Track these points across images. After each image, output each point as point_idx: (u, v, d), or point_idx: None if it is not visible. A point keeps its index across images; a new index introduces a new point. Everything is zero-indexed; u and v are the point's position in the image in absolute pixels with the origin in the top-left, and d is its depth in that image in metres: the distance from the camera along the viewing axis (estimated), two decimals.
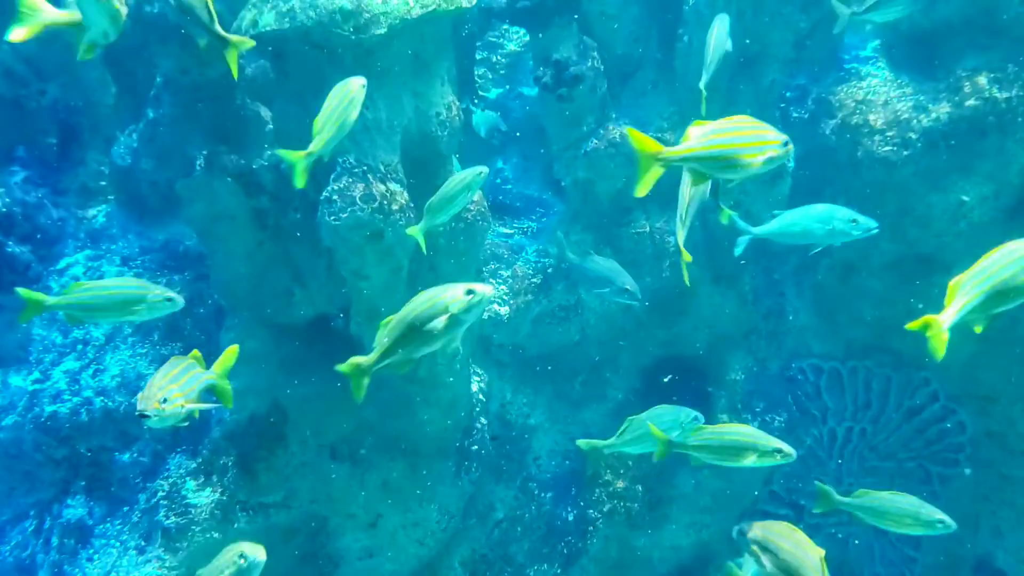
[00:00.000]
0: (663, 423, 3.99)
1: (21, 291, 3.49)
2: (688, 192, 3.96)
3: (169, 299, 3.56)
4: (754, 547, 3.29)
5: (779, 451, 3.75)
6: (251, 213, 4.59)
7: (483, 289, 2.97)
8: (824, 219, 4.44)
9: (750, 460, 3.77)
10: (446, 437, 5.00)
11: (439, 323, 2.94)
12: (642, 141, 3.19)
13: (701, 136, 3.14)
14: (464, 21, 5.25)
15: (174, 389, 3.33)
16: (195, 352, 3.55)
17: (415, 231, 4.08)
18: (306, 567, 4.90)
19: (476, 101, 6.01)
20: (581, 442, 4.32)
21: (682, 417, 4.00)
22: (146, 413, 3.25)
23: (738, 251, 4.75)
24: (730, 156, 3.13)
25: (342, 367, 3.08)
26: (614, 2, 5.33)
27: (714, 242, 5.34)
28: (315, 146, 3.54)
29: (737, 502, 5.62)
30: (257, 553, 3.60)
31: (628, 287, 4.77)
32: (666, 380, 5.50)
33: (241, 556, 3.57)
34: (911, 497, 3.95)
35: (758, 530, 3.32)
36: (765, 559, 3.28)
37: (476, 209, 4.70)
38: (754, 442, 3.77)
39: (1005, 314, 5.14)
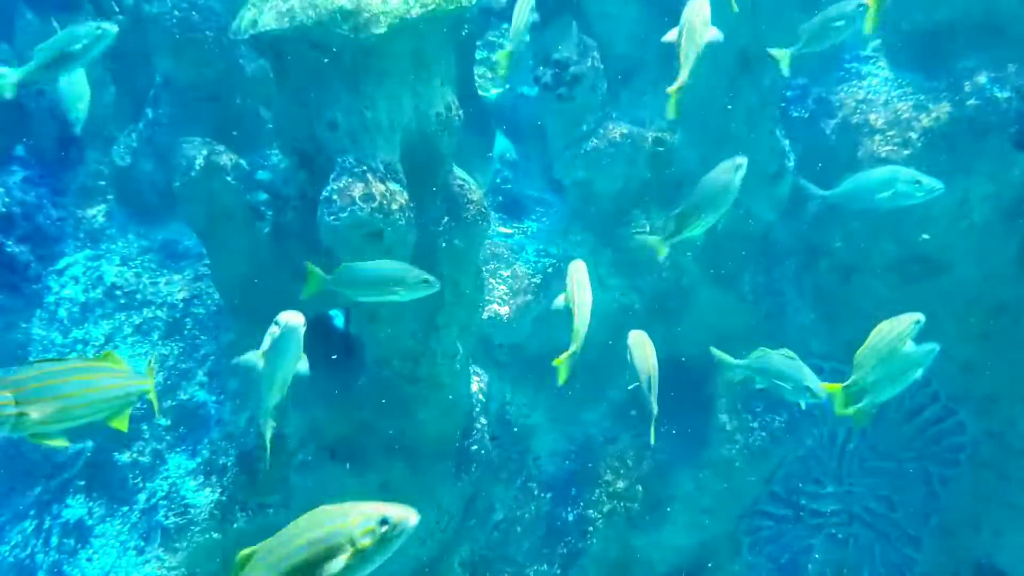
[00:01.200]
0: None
1: (308, 265, 3.78)
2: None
3: (425, 280, 3.75)
4: (629, 348, 4.02)
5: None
6: (250, 213, 4.59)
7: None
8: (888, 181, 4.36)
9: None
10: (445, 437, 4.99)
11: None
12: None
13: None
14: (464, 21, 5.24)
15: (7, 396, 2.75)
16: (108, 352, 3.13)
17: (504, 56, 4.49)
18: None
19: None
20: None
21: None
22: None
23: (808, 217, 4.70)
24: None
25: None
26: (614, 2, 5.33)
27: (714, 242, 5.34)
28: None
29: (737, 502, 5.61)
30: (290, 318, 3.16)
31: (809, 384, 4.27)
32: (630, 388, 5.47)
33: (274, 323, 3.17)
34: None
35: (632, 336, 4.04)
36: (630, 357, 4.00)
37: (475, 209, 4.70)
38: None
39: (1005, 315, 5.17)
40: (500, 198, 6.18)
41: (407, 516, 2.15)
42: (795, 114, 5.53)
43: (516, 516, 5.47)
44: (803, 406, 4.41)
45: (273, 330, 3.17)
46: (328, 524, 2.16)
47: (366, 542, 2.11)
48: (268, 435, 3.45)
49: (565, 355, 4.07)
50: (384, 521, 2.14)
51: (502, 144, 6.13)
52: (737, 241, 5.34)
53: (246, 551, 2.15)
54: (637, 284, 5.34)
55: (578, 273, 4.12)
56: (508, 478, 5.50)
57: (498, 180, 6.24)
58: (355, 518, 2.16)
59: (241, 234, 4.64)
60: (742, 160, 4.05)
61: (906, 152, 4.94)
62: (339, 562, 2.09)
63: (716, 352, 4.40)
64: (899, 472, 5.66)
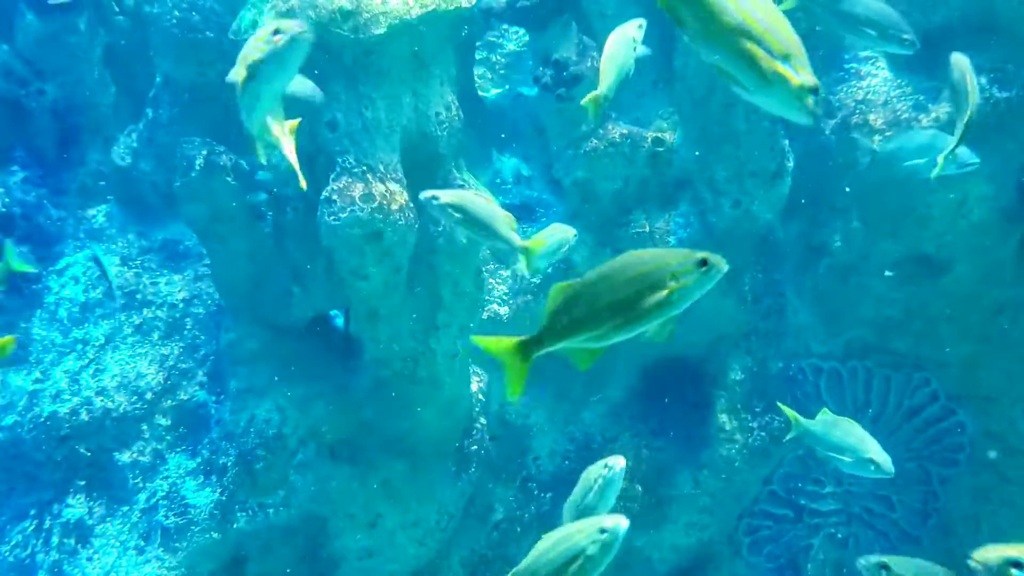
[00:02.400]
0: None
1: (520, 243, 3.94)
2: None
3: None
4: (449, 210, 3.58)
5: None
6: (250, 213, 4.60)
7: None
8: (925, 148, 4.23)
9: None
10: (445, 437, 5.00)
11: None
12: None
13: None
14: (464, 21, 5.25)
15: None
16: None
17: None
18: (306, 567, 4.91)
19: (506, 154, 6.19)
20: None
21: None
22: None
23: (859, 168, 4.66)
24: None
25: None
26: (613, 2, 5.33)
27: (714, 242, 5.34)
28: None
29: (737, 502, 5.61)
30: (294, 26, 2.93)
31: (874, 457, 4.05)
32: (595, 399, 5.48)
33: (277, 32, 2.91)
34: None
35: (450, 197, 3.64)
36: (457, 215, 3.59)
37: None
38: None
39: (1004, 315, 5.17)
40: (500, 198, 6.19)
41: (720, 261, 2.27)
42: None
43: (516, 516, 5.48)
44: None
45: (276, 40, 2.90)
46: (650, 263, 2.28)
47: (687, 280, 2.23)
48: (256, 130, 3.11)
49: (592, 95, 3.75)
50: (703, 262, 2.25)
51: (513, 164, 6.15)
52: (736, 241, 5.34)
53: (561, 284, 2.31)
54: None
55: (618, 33, 3.81)
56: (508, 478, 5.51)
57: (497, 180, 6.24)
58: (676, 258, 2.27)
59: (241, 234, 4.65)
60: None
61: None
62: (660, 295, 2.21)
63: (786, 410, 4.35)
64: (898, 472, 5.65)
